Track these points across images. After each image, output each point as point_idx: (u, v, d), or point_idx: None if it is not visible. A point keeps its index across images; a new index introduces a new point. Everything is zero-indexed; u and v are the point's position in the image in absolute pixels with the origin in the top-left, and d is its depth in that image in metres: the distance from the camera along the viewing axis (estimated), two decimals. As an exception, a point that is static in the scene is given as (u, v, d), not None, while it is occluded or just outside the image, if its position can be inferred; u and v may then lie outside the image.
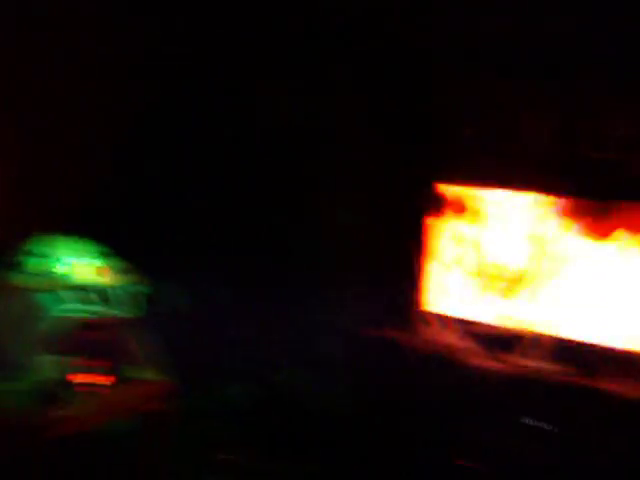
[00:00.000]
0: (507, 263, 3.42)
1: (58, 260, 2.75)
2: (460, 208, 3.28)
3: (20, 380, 2.69)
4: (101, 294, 2.79)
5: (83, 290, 2.77)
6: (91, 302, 2.80)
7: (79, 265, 2.76)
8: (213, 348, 3.64)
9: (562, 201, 3.03)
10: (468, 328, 3.05)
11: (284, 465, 3.10)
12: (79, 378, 2.63)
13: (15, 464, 2.46)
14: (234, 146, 3.79)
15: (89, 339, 2.76)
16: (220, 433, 3.31)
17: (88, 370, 2.65)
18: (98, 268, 2.78)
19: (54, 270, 2.71)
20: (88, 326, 2.75)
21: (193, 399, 3.30)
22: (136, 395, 2.77)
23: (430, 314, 3.13)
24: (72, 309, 2.77)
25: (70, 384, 2.61)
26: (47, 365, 2.60)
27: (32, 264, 2.73)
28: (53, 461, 2.57)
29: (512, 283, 3.34)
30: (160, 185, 3.80)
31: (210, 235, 3.78)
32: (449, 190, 3.26)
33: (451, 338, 3.03)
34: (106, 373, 2.67)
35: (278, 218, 3.74)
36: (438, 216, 3.30)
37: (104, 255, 2.82)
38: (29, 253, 2.76)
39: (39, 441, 2.48)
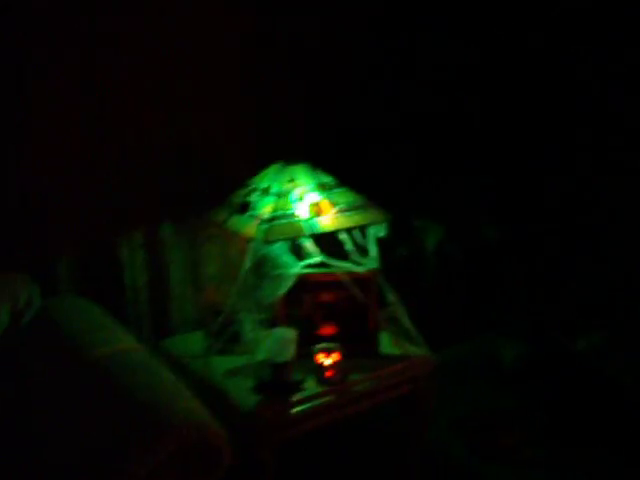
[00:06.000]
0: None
1: (295, 201, 2.08)
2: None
3: (247, 358, 2.11)
4: (339, 243, 2.16)
5: (321, 239, 2.15)
6: (328, 254, 2.18)
7: (316, 207, 2.08)
8: (476, 299, 2.83)
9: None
10: None
11: (569, 453, 2.41)
12: (321, 357, 2.03)
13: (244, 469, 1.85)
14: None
15: (328, 302, 2.20)
16: (490, 411, 2.62)
17: (329, 346, 2.04)
18: (334, 209, 2.09)
19: (289, 213, 2.05)
20: (327, 285, 2.18)
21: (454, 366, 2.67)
22: (389, 374, 2.12)
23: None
24: (307, 263, 2.17)
25: (313, 367, 2.03)
26: (280, 340, 1.98)
27: (263, 205, 2.07)
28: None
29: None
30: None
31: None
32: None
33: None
34: (351, 347, 2.07)
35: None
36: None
37: (339, 191, 2.14)
38: (260, 191, 2.12)
39: (272, 444, 1.90)
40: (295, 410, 1.91)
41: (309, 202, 2.06)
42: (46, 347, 1.84)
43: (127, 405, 1.55)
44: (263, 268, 2.10)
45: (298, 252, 2.18)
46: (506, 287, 2.82)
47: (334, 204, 2.09)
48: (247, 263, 2.09)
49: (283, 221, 2.01)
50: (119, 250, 2.25)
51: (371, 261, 2.15)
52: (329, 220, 2.06)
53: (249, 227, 2.03)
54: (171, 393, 1.60)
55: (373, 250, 2.16)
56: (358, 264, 2.15)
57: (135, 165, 2.24)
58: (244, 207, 2.10)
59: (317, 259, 2.16)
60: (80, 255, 2.19)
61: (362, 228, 2.15)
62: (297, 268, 2.12)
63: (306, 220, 2.03)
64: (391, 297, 2.18)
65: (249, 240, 2.05)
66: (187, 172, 2.32)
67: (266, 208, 2.04)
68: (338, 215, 2.07)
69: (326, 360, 2.01)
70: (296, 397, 1.94)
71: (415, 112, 2.75)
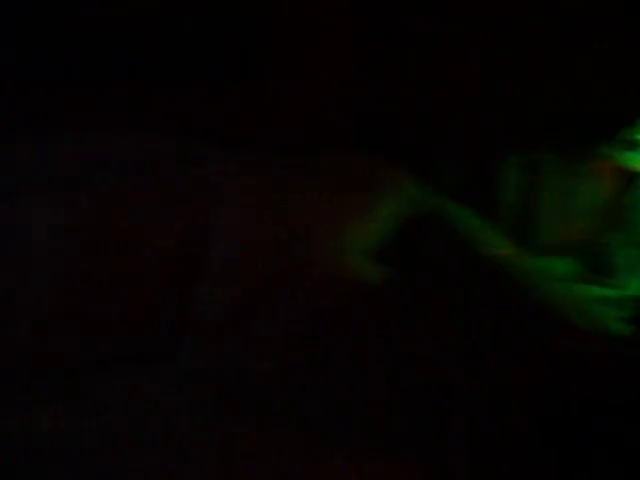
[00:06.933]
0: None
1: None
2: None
3: (618, 291, 2.13)
4: None
5: None
6: None
7: None
8: None
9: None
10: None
11: None
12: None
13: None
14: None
15: None
16: None
17: None
18: None
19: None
20: None
21: None
22: None
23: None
24: None
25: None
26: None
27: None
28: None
29: None
30: None
31: None
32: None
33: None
34: None
35: None
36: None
37: None
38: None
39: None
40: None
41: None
42: (439, 239, 1.99)
43: (527, 305, 1.62)
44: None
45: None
46: None
47: None
48: (629, 198, 2.10)
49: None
50: (497, 169, 2.36)
51: None
52: None
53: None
54: (565, 300, 1.67)
55: None
56: None
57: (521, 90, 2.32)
58: (635, 144, 2.08)
59: None
60: (462, 166, 2.35)
61: None
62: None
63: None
64: None
65: (638, 175, 2.06)
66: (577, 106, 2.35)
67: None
68: None
69: None
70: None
71: None
